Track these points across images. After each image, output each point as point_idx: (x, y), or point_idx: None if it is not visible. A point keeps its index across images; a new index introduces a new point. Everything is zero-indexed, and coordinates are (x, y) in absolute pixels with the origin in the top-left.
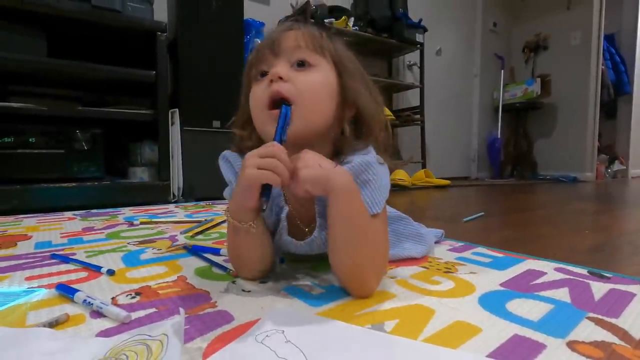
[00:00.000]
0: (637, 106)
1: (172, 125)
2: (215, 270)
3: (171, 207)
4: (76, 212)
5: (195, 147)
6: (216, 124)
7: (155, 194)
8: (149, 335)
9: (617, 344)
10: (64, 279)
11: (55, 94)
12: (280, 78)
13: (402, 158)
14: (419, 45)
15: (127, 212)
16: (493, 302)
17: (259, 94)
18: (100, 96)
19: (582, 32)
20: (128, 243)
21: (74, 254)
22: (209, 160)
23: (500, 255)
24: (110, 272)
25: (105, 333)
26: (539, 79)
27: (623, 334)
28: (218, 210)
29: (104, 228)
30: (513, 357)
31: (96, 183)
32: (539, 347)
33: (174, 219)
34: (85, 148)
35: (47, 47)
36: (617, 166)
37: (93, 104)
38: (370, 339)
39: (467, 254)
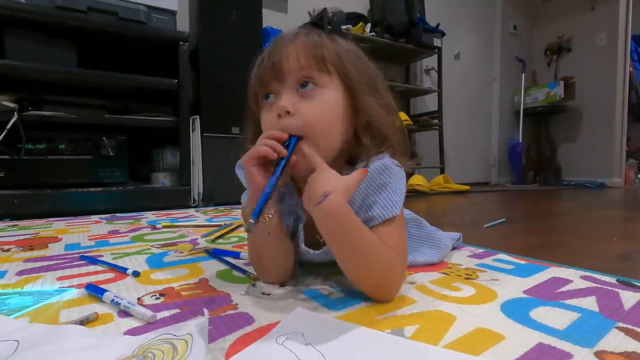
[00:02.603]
0: None
1: (192, 131)
2: (236, 273)
3: (192, 211)
4: (102, 216)
5: (214, 152)
6: (235, 130)
7: (176, 198)
8: (175, 335)
9: None
10: (92, 279)
11: (83, 102)
12: (288, 113)
13: (419, 162)
14: (436, 50)
15: (150, 216)
16: (516, 310)
17: (270, 126)
18: (125, 104)
19: (608, 33)
20: (152, 246)
21: (101, 255)
22: (228, 166)
23: (523, 262)
24: (136, 274)
25: (132, 332)
26: (562, 82)
27: None
28: (237, 214)
29: (129, 231)
30: None
31: (121, 188)
32: (565, 356)
33: (195, 223)
34: (111, 154)
35: (77, 58)
36: None
37: (118, 111)
38: (391, 344)
39: (488, 261)
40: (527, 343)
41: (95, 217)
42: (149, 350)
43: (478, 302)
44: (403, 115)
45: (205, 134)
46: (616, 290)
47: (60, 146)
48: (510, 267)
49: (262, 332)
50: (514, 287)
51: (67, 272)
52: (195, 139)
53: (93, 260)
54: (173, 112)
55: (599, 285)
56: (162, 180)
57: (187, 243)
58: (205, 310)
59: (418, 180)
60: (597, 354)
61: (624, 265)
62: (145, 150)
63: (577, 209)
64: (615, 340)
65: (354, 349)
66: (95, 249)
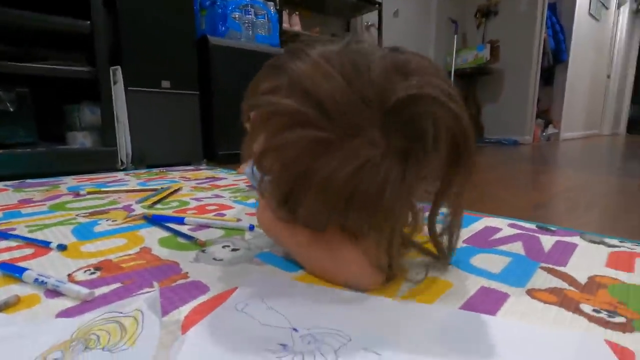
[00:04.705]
0: (571, 74)
1: (114, 84)
2: (181, 239)
3: (120, 175)
4: (7, 183)
5: (143, 109)
6: (165, 84)
7: (100, 161)
8: (120, 312)
9: (567, 289)
10: (5, 256)
11: None
12: None
13: None
14: (377, 5)
15: (69, 181)
16: (459, 258)
17: None
18: (27, 49)
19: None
20: (77, 215)
21: (13, 229)
22: (159, 124)
23: None
24: (62, 247)
25: (67, 313)
26: (489, 45)
27: (571, 280)
28: (174, 177)
29: (45, 199)
30: (482, 307)
31: (28, 150)
32: (504, 296)
33: (126, 187)
34: (11, 109)
35: None
36: (551, 130)
37: (17, 58)
38: (351, 300)
39: (426, 215)
40: (471, 288)
41: None
42: (91, 332)
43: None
44: None
45: (130, 88)
46: (537, 235)
47: None
48: None
49: (218, 300)
50: None
51: None
52: (118, 93)
53: (4, 235)
54: (89, 60)
55: (523, 232)
56: (81, 140)
57: (120, 210)
58: (155, 283)
59: None
60: (528, 292)
61: (539, 213)
62: (58, 106)
63: (499, 164)
64: (541, 279)
65: (315, 309)
66: (4, 221)
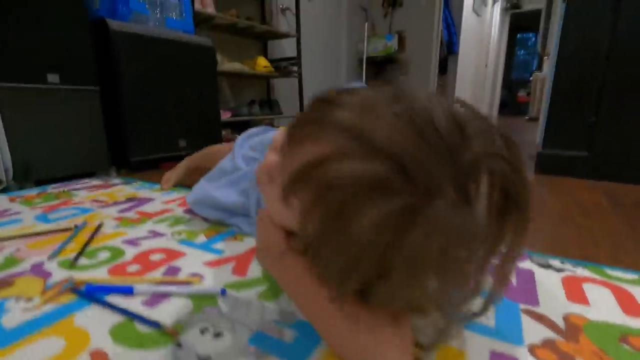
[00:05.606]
0: (461, 64)
1: None
2: (140, 326)
3: (3, 199)
4: None
5: (24, 110)
6: (53, 78)
7: None
8: None
9: (557, 340)
10: None
11: None
12: None
13: (282, 112)
14: None
15: None
16: None
17: None
18: None
19: None
20: None
21: None
22: (49, 128)
23: None
24: None
25: None
26: (397, 35)
27: (553, 326)
28: (82, 200)
29: None
30: None
31: None
32: None
33: (19, 226)
34: None
35: None
36: None
37: None
38: None
39: None
40: (481, 354)
41: None
42: None
43: None
44: (263, 61)
45: (2, 84)
46: None
47: None
48: None
49: None
50: None
51: None
52: None
53: None
54: None
55: None
56: None
57: (32, 276)
58: None
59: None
60: (530, 350)
61: None
62: None
63: None
64: (530, 329)
65: None
66: None
